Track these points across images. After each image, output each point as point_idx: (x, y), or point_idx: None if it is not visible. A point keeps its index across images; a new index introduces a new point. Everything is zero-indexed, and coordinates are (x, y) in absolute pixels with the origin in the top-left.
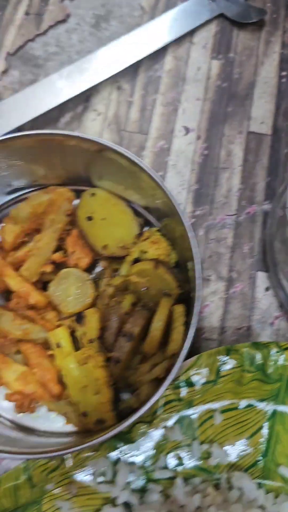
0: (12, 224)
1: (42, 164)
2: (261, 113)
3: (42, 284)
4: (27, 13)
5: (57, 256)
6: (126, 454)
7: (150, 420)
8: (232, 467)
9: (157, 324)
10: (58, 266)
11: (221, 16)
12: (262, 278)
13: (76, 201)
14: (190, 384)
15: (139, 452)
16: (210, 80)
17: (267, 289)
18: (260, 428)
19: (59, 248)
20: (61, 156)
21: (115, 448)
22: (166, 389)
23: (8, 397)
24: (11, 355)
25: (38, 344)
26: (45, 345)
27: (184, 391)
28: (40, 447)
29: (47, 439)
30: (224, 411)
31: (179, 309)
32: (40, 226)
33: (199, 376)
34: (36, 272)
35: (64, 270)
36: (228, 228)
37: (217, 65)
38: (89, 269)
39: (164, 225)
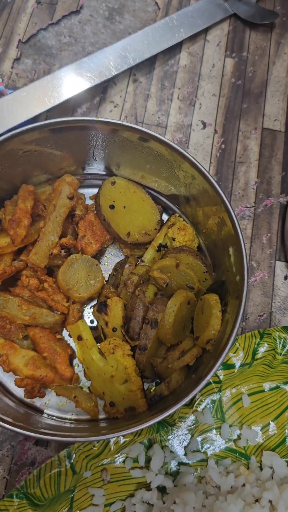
0: (12, 206)
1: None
2: (274, 110)
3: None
4: (38, 2)
5: (66, 240)
6: (160, 439)
7: (189, 403)
8: (260, 447)
9: (169, 310)
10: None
11: (233, 16)
12: (281, 267)
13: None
14: (229, 366)
15: (172, 436)
16: (225, 77)
17: (285, 277)
18: (286, 408)
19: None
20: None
21: (156, 432)
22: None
23: (18, 383)
24: (18, 341)
25: (46, 328)
26: (53, 329)
27: (222, 374)
28: (81, 431)
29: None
30: (251, 394)
31: (214, 297)
32: (42, 212)
33: (236, 358)
34: (45, 256)
35: (73, 255)
36: (247, 219)
37: (231, 63)
38: (97, 255)
39: (185, 209)
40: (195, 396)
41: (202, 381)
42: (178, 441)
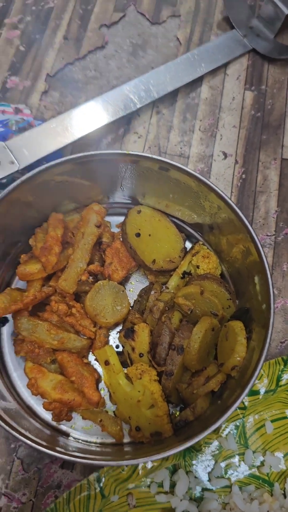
0: (43, 233)
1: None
2: None
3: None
4: (65, 38)
5: (93, 266)
6: (185, 464)
7: (215, 429)
8: (284, 474)
9: (195, 337)
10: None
11: (252, 51)
12: None
13: (113, 217)
14: (254, 393)
15: (196, 462)
16: (244, 109)
17: None
18: None
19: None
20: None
21: (183, 458)
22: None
23: (47, 407)
24: (46, 365)
25: (73, 353)
26: (80, 353)
27: (247, 400)
28: (107, 455)
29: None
30: (274, 420)
31: (239, 325)
32: (71, 240)
33: (261, 385)
34: (74, 282)
35: (100, 282)
36: (267, 247)
37: (250, 96)
38: (122, 282)
39: (208, 238)
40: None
41: (230, 409)
42: (202, 466)
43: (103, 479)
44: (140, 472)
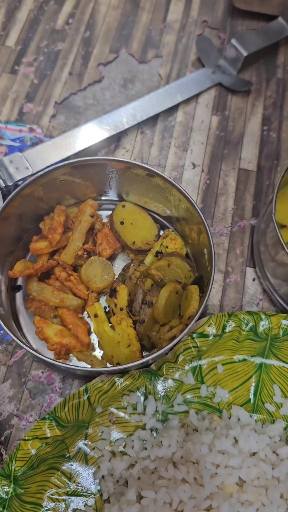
0: (49, 220)
1: (86, 183)
2: (248, 155)
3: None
4: (70, 73)
5: (87, 246)
6: (153, 392)
7: (174, 361)
8: (230, 404)
9: (162, 295)
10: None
11: (219, 84)
12: (250, 272)
13: (104, 211)
14: (204, 335)
15: (162, 388)
16: (211, 130)
17: (253, 279)
18: (251, 376)
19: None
20: (101, 177)
21: (149, 379)
22: (187, 339)
23: (49, 347)
24: (50, 318)
25: (71, 309)
26: (76, 310)
27: (198, 341)
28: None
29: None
30: (224, 363)
31: (195, 287)
32: (71, 226)
33: (210, 329)
34: (72, 256)
35: (92, 257)
36: (224, 236)
37: (216, 119)
38: (110, 258)
39: (176, 227)
40: (178, 355)
41: (179, 336)
42: (167, 395)
43: (89, 390)
44: (117, 387)
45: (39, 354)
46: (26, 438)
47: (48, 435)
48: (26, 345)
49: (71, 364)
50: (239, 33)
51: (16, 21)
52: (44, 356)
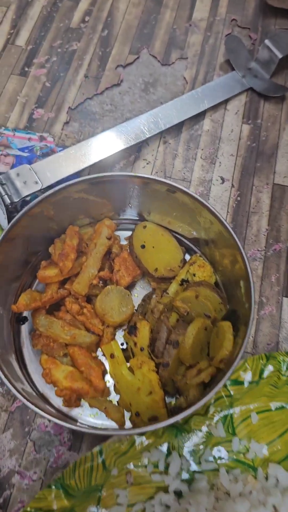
0: (60, 243)
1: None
2: (284, 169)
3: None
4: (86, 76)
5: (104, 273)
6: (178, 447)
7: (203, 412)
8: (267, 460)
9: (189, 333)
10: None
11: (250, 89)
12: (287, 303)
13: (122, 232)
14: (239, 383)
15: (188, 444)
16: (241, 140)
17: None
18: None
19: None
20: (121, 195)
21: (175, 437)
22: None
23: (58, 393)
24: (59, 358)
25: (83, 347)
26: (89, 348)
27: (232, 390)
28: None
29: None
30: (259, 412)
31: (227, 324)
32: (85, 249)
33: (245, 376)
34: (86, 286)
35: (109, 286)
36: (258, 261)
37: (247, 128)
38: (128, 287)
39: (204, 251)
40: (208, 406)
41: (212, 390)
42: (194, 451)
43: (105, 452)
44: (137, 448)
45: (40, 409)
46: (28, 510)
47: (55, 507)
48: (26, 398)
49: (78, 423)
50: (272, 32)
51: (27, 18)
52: (45, 413)
